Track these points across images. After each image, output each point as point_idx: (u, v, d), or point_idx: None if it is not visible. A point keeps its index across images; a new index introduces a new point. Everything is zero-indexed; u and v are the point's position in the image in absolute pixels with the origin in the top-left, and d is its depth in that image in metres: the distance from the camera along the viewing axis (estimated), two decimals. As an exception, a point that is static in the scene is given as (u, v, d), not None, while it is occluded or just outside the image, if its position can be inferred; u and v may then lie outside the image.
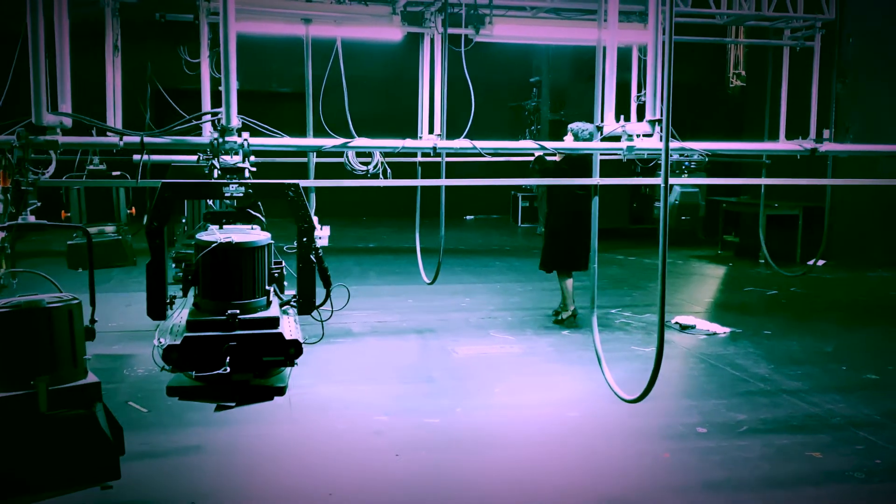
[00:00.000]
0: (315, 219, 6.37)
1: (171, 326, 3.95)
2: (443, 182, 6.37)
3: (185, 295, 4.13)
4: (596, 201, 5.49)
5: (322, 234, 6.33)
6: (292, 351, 3.82)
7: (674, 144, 6.16)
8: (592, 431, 4.85)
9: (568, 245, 7.51)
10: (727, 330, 7.45)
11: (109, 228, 7.35)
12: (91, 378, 3.68)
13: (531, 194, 16.53)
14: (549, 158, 7.32)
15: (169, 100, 6.24)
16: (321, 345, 6.78)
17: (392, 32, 6.78)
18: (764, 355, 6.63)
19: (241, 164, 4.49)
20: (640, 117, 6.50)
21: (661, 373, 6.17)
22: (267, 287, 4.07)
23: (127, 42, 6.93)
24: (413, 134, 7.09)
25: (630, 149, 5.29)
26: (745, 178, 9.93)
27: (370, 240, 13.19)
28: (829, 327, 7.82)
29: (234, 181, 4.12)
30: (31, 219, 4.45)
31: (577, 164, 7.17)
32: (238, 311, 3.83)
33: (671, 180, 7.75)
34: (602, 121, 5.31)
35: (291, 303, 4.25)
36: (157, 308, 3.97)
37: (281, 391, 3.89)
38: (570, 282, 7.60)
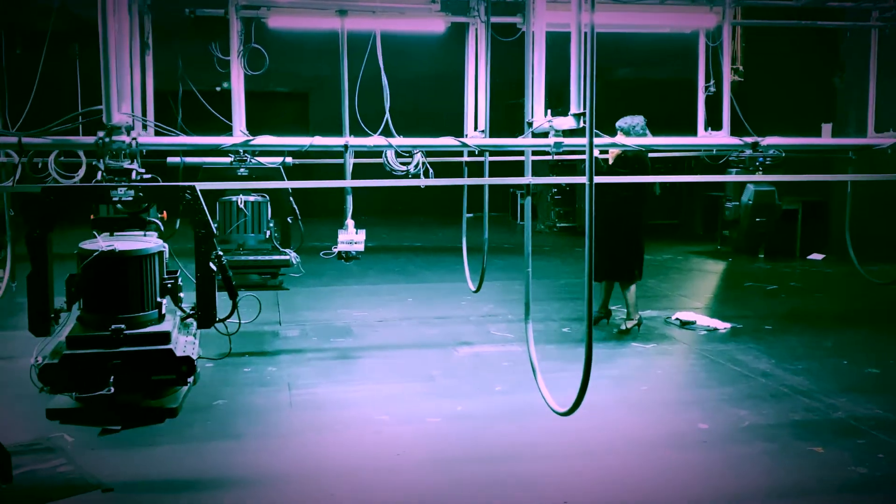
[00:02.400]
0: (351, 223, 6.29)
1: (53, 343, 3.72)
2: (486, 181, 6.18)
3: (69, 309, 3.85)
4: (528, 202, 5.20)
5: (357, 239, 6.20)
6: (184, 369, 3.61)
7: (599, 140, 5.86)
8: (591, 430, 4.84)
9: (615, 251, 7.05)
10: (727, 325, 7.44)
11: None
12: None
13: (531, 192, 16.53)
14: (600, 157, 7.04)
15: (201, 99, 6.12)
16: (319, 344, 6.81)
17: (433, 24, 6.49)
18: (765, 350, 6.62)
19: (128, 166, 4.20)
20: (710, 110, 6.28)
21: (663, 369, 6.19)
22: (159, 299, 3.85)
23: (157, 41, 6.78)
24: (458, 132, 6.91)
25: (557, 145, 5.07)
26: (800, 175, 9.08)
27: (369, 239, 13.12)
28: (829, 322, 7.81)
29: (122, 184, 3.89)
30: None
31: (633, 164, 6.83)
32: (123, 326, 3.59)
33: (735, 178, 7.51)
34: (532, 115, 5.01)
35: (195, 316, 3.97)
36: (40, 323, 3.70)
37: (172, 413, 3.70)
38: (632, 288, 7.16)
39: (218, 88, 7.28)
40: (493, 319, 7.71)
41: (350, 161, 6.49)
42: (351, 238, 6.22)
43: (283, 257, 8.69)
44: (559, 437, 4.71)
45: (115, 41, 4.23)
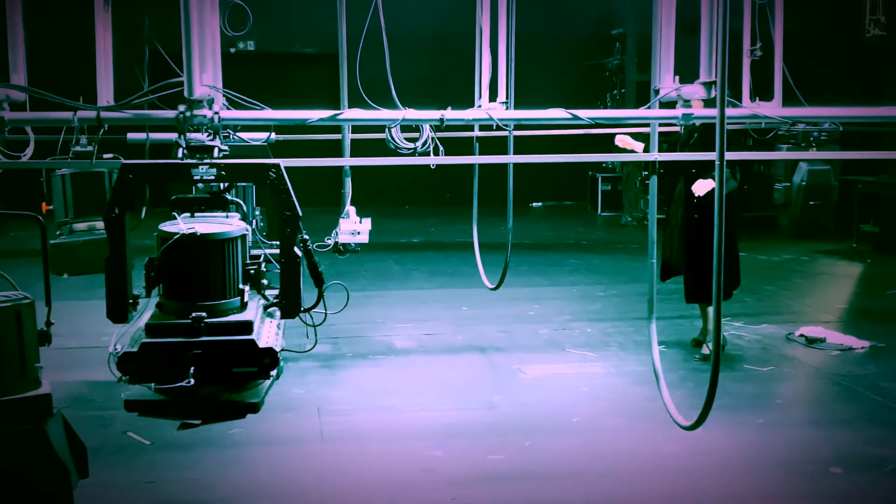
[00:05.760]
0: (352, 209, 6.41)
1: (132, 331, 4.11)
2: (511, 159, 6.21)
3: (148, 294, 4.26)
4: (654, 181, 5.38)
5: (361, 229, 6.33)
6: (267, 361, 3.94)
7: (733, 112, 5.92)
8: (691, 477, 4.81)
9: (699, 264, 6.79)
10: (866, 344, 7.33)
11: (100, 224, 7.44)
12: (43, 389, 3.90)
13: (614, 175, 16.41)
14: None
15: (171, 63, 6.29)
16: (357, 364, 6.88)
17: None
18: (914, 376, 6.52)
19: (210, 143, 4.58)
20: (756, 76, 6.30)
21: (783, 398, 6.12)
22: (241, 286, 4.20)
23: None
24: (469, 102, 6.97)
25: (686, 116, 5.27)
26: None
27: (414, 233, 13.25)
28: None
29: (204, 162, 4.23)
30: None
31: (710, 139, 6.78)
32: (204, 314, 3.95)
33: (791, 155, 7.44)
34: (659, 82, 5.25)
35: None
36: (118, 309, 4.10)
37: (254, 408, 4.05)
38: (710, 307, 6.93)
39: (232, 50, 7.40)
40: (568, 334, 7.71)
41: (348, 136, 6.63)
42: (353, 227, 6.35)
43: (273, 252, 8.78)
44: (651, 485, 4.69)
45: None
